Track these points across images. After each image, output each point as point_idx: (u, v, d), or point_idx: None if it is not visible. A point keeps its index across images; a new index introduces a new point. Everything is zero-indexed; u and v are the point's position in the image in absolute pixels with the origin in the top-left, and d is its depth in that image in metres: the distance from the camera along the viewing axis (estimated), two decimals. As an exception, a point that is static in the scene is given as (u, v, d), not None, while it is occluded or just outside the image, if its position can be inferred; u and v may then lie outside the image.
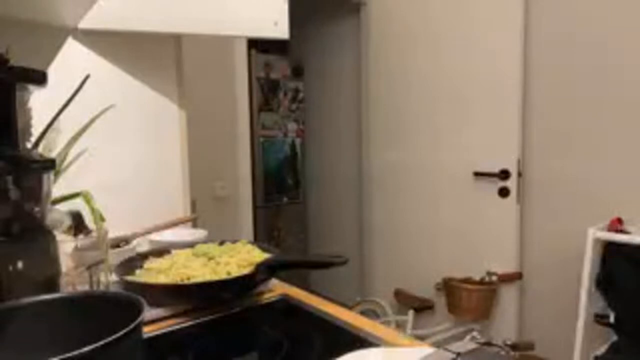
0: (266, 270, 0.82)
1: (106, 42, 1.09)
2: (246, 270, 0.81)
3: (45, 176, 0.63)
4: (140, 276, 0.82)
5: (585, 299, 1.79)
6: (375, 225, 2.91)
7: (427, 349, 0.55)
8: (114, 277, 0.79)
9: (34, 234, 0.63)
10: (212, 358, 0.76)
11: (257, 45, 2.98)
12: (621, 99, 1.93)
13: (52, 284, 0.64)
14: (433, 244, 2.52)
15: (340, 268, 0.81)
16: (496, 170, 2.19)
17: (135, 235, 1.00)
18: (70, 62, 1.03)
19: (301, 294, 0.88)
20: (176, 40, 1.22)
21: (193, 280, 0.78)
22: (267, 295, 0.88)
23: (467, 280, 2.22)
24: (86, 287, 0.76)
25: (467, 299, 2.14)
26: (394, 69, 2.67)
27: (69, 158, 0.94)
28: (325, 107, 3.39)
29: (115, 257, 0.86)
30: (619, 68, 1.93)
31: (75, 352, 0.38)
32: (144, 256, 0.91)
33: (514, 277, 2.19)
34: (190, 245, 0.94)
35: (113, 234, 0.88)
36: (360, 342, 0.67)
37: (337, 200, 3.35)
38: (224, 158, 2.39)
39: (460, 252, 2.39)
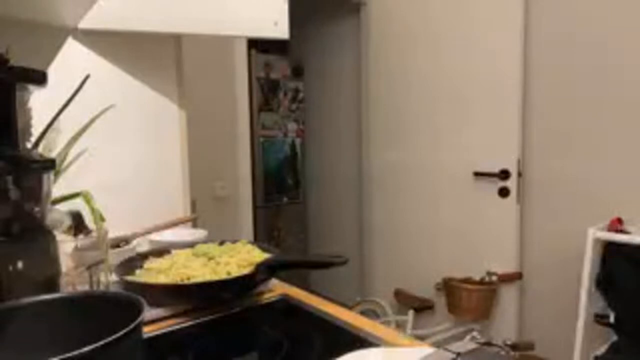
0: (266, 270, 0.82)
1: (106, 42, 1.09)
2: (246, 270, 0.81)
3: (45, 176, 0.63)
4: (140, 276, 0.82)
5: (585, 299, 1.79)
6: (375, 225, 2.91)
7: (427, 349, 0.55)
8: (114, 277, 0.79)
9: (34, 234, 0.63)
10: (212, 358, 0.76)
11: (257, 45, 2.98)
12: (621, 99, 1.93)
13: (52, 284, 0.64)
14: (433, 244, 2.52)
15: (340, 268, 0.81)
16: (496, 170, 2.19)
17: (135, 235, 1.00)
18: (70, 62, 1.03)
19: (301, 294, 0.88)
20: (176, 40, 1.22)
21: (193, 280, 0.78)
22: (267, 295, 0.88)
23: (467, 280, 2.22)
24: (86, 287, 0.76)
25: (467, 299, 2.14)
26: (394, 69, 2.67)
27: (69, 158, 0.94)
28: (325, 107, 3.39)
29: (115, 257, 0.86)
30: (619, 68, 1.93)
31: (75, 352, 0.38)
32: (144, 256, 0.91)
33: (514, 277, 2.19)
34: (190, 245, 0.94)
35: (113, 234, 0.88)
36: (360, 342, 0.67)
37: (337, 200, 3.35)
38: (224, 158, 2.39)
39: (460, 252, 2.39)
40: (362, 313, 2.40)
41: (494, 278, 2.15)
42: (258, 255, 0.88)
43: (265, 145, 3.22)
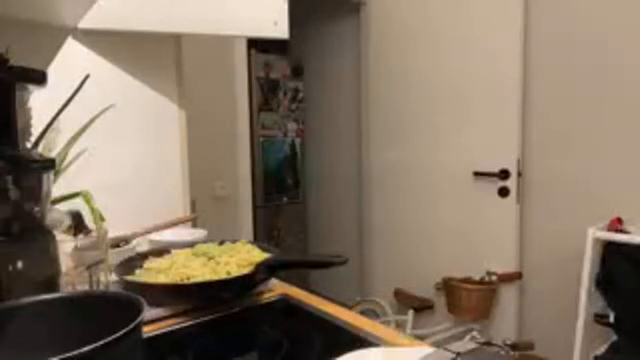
0: (266, 270, 0.82)
1: (106, 42, 1.09)
2: (246, 270, 0.81)
3: (45, 176, 0.63)
4: (140, 276, 0.82)
5: (585, 299, 1.79)
6: (375, 225, 2.91)
7: (427, 349, 0.55)
8: (114, 277, 0.79)
9: (34, 234, 0.63)
10: (212, 358, 0.76)
11: (257, 45, 2.98)
12: (621, 99, 1.93)
13: (52, 284, 0.64)
14: (433, 244, 2.52)
15: (340, 268, 0.81)
16: (496, 170, 2.19)
17: (135, 235, 1.00)
18: (70, 62, 1.03)
19: (301, 294, 0.88)
20: (176, 40, 1.22)
21: (193, 280, 0.78)
22: (267, 295, 0.88)
23: (467, 280, 2.22)
24: (86, 287, 0.76)
25: (467, 299, 2.14)
26: (394, 69, 2.67)
27: (69, 158, 0.94)
28: (325, 107, 3.39)
29: (115, 257, 0.86)
30: (619, 68, 1.93)
31: (75, 352, 0.38)
32: (144, 256, 0.91)
33: (514, 277, 2.19)
34: (190, 245, 0.94)
35: (113, 234, 0.88)
36: (360, 342, 0.67)
37: (337, 200, 3.35)
38: (224, 158, 2.39)
39: (460, 252, 2.39)
40: (362, 313, 2.40)
41: (494, 278, 2.16)
42: (258, 255, 0.88)
43: (265, 145, 3.22)
